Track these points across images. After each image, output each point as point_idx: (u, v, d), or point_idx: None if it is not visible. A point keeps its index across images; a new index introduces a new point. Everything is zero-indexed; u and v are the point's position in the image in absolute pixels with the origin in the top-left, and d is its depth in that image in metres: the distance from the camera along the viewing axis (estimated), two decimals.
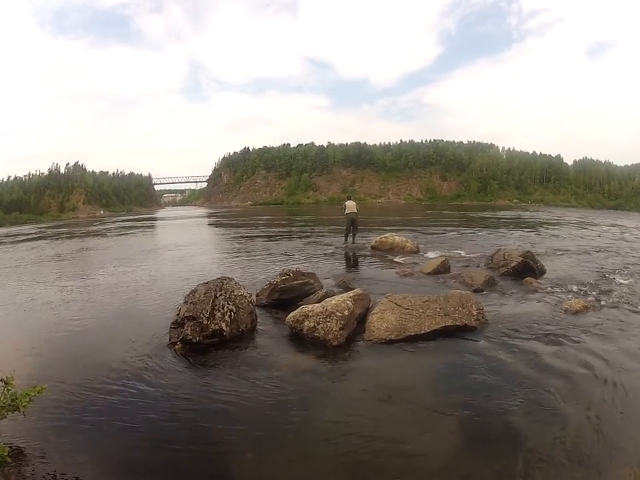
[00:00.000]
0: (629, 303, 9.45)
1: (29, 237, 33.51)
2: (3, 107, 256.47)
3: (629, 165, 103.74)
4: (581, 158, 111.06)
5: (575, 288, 10.69)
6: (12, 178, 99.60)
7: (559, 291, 10.51)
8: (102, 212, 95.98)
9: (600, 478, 4.16)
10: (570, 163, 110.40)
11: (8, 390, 4.53)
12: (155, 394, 5.84)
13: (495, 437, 4.82)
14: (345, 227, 19.67)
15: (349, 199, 20.00)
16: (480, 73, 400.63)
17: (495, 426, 5.00)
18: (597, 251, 17.25)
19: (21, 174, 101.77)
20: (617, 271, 12.72)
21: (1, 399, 4.48)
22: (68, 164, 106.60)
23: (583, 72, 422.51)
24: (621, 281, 11.53)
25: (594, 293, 10.24)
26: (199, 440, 4.85)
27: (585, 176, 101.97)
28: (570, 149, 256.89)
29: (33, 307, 10.42)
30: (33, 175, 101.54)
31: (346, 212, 18.93)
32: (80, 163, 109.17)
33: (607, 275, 12.16)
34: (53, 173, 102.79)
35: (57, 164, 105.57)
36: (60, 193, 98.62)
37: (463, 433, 4.98)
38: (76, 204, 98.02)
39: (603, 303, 9.49)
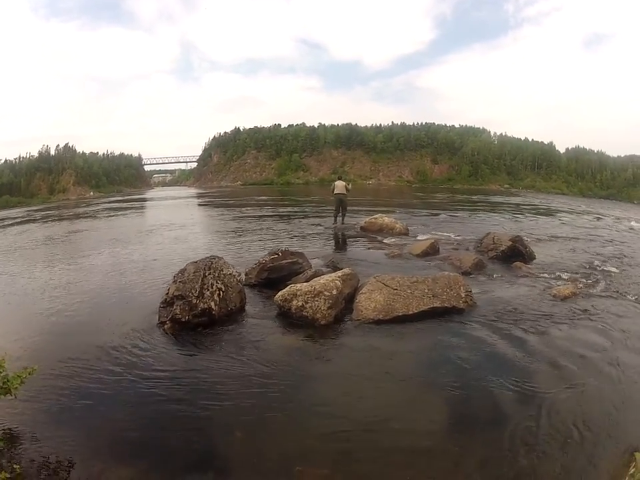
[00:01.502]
0: (617, 290, 9.52)
1: (20, 220, 33.06)
2: None
3: (622, 155, 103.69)
4: (574, 146, 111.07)
5: (564, 274, 10.73)
6: (2, 161, 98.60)
7: (548, 276, 10.56)
8: (92, 193, 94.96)
9: (587, 464, 4.20)
10: (562, 150, 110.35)
11: None
12: (144, 374, 5.86)
13: (481, 419, 4.90)
14: (333, 208, 19.68)
15: (340, 179, 19.82)
16: (474, 59, 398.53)
17: (481, 408, 5.08)
18: (587, 239, 17.29)
19: (11, 157, 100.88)
20: (607, 259, 12.78)
21: None
22: (58, 146, 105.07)
23: (579, 62, 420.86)
24: (610, 269, 11.59)
25: (583, 280, 10.29)
26: (188, 419, 4.89)
27: (577, 164, 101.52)
28: (563, 137, 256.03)
29: (25, 290, 10.35)
30: (23, 157, 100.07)
31: (334, 192, 18.87)
32: (70, 145, 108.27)
33: (596, 263, 12.20)
34: (43, 155, 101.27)
35: (47, 146, 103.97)
36: (50, 175, 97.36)
37: (449, 413, 5.05)
38: (66, 185, 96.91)
39: (591, 289, 9.56)
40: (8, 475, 3.72)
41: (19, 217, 36.70)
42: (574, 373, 5.82)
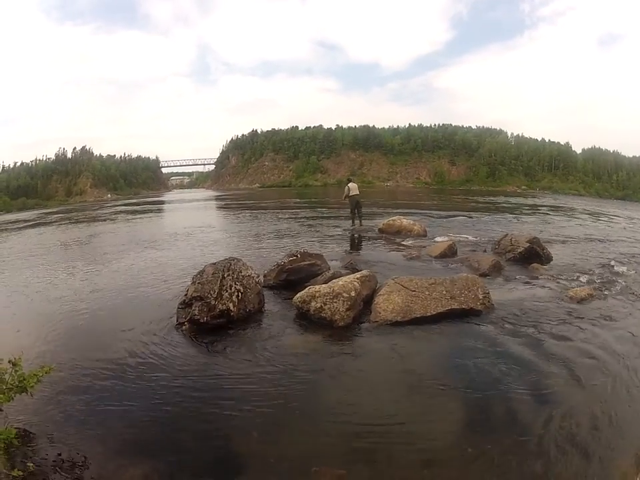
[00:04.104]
0: (633, 292, 9.42)
1: (40, 222, 33.43)
2: (11, 94, 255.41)
3: (638, 155, 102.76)
4: (590, 147, 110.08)
5: (580, 276, 10.65)
6: (19, 164, 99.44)
7: (565, 278, 10.48)
8: (109, 195, 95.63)
9: (599, 467, 4.18)
10: (579, 151, 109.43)
11: (16, 371, 4.53)
12: (160, 374, 5.91)
13: (497, 421, 4.88)
14: (349, 210, 19.72)
15: (350, 181, 19.84)
16: (491, 59, 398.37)
17: (497, 410, 5.06)
18: (604, 240, 17.14)
19: (28, 160, 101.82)
20: (624, 261, 12.64)
21: (9, 380, 4.48)
22: (75, 148, 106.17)
23: (594, 61, 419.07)
24: (627, 270, 11.47)
25: (599, 282, 10.22)
26: (205, 419, 4.92)
27: (594, 165, 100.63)
28: (579, 137, 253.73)
29: (48, 290, 10.49)
30: (39, 160, 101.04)
31: (350, 194, 18.84)
32: (87, 147, 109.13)
33: (613, 264, 12.09)
34: (60, 158, 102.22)
35: (64, 148, 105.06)
36: (67, 177, 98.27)
37: (465, 415, 5.03)
38: (83, 188, 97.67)
39: (608, 291, 9.49)
40: (21, 473, 3.77)
41: (39, 219, 37.01)
42: (589, 376, 5.77)
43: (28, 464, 3.94)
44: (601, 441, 4.53)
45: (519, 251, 12.11)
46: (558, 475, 4.08)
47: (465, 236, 16.79)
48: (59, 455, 4.28)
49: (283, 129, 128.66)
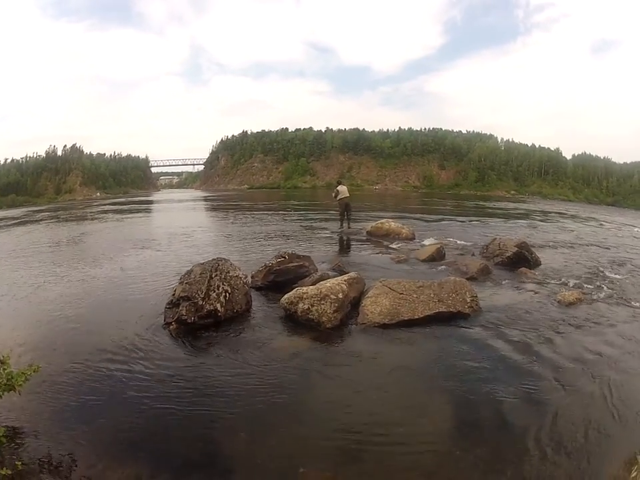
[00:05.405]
0: (621, 297, 9.48)
1: (30, 219, 33.14)
2: (2, 91, 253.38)
3: (628, 162, 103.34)
4: (580, 153, 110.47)
5: (569, 280, 10.68)
6: (9, 161, 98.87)
7: (553, 282, 10.52)
8: (98, 194, 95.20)
9: (589, 468, 4.19)
10: (569, 157, 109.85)
11: (4, 369, 4.52)
12: (147, 374, 5.88)
13: (485, 423, 4.89)
14: (339, 212, 19.74)
15: (340, 183, 19.85)
16: (483, 64, 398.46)
17: (486, 413, 5.07)
18: (593, 245, 17.21)
19: (18, 157, 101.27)
20: (611, 266, 12.72)
21: None
22: (65, 146, 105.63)
23: (586, 68, 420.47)
24: (615, 275, 11.55)
25: (588, 286, 10.25)
26: (192, 420, 4.90)
27: (584, 171, 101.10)
28: (569, 143, 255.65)
29: (37, 290, 10.37)
30: (30, 157, 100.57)
31: (339, 197, 18.87)
32: (78, 145, 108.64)
33: (601, 269, 12.15)
34: (50, 155, 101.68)
35: (54, 146, 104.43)
36: (57, 175, 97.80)
37: (453, 418, 5.04)
38: (72, 186, 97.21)
39: (596, 295, 9.52)
40: (10, 472, 3.75)
41: (27, 216, 36.69)
42: (578, 379, 5.82)
43: (16, 462, 3.92)
44: (590, 442, 4.55)
45: (507, 255, 12.13)
46: (548, 476, 4.09)
47: (454, 240, 16.78)
48: (47, 454, 4.27)
49: (273, 130, 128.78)
